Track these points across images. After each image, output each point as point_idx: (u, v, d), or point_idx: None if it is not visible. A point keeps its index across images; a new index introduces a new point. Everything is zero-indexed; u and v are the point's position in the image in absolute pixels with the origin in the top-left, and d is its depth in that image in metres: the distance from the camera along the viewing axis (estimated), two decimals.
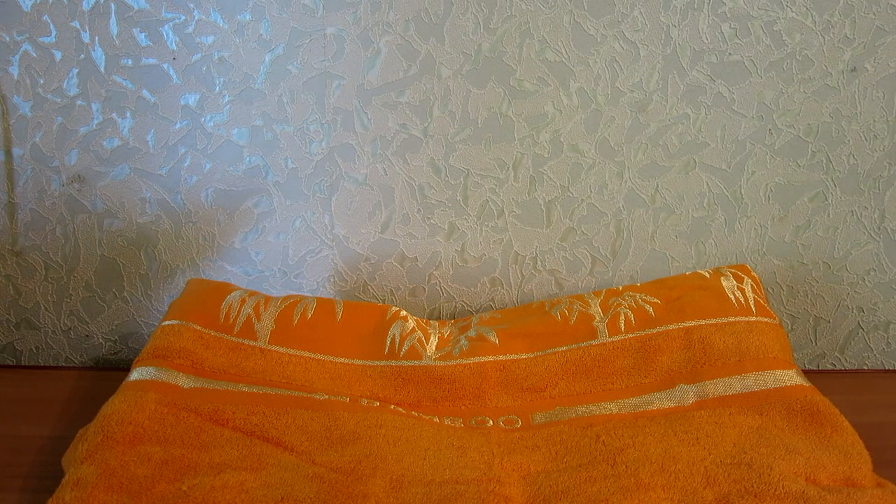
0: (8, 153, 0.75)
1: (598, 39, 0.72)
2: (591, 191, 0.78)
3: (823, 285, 0.81)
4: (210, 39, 0.72)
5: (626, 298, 0.73)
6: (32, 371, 0.80)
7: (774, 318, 0.70)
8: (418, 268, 0.81)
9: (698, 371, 0.67)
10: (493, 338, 0.71)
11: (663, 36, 0.72)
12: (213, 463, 0.57)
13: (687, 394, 0.66)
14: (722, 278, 0.74)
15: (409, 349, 0.70)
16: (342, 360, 0.70)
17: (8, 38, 0.72)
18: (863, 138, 0.76)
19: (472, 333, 0.72)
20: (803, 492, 0.54)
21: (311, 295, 0.77)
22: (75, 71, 0.73)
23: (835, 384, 0.74)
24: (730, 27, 0.72)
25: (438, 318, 0.82)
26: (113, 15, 0.71)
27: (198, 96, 0.74)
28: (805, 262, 0.80)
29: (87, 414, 0.65)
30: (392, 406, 0.66)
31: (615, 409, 0.66)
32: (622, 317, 0.71)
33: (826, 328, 0.83)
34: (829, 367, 0.85)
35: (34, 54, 0.72)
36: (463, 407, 0.68)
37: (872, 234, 0.79)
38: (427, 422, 0.64)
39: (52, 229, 0.78)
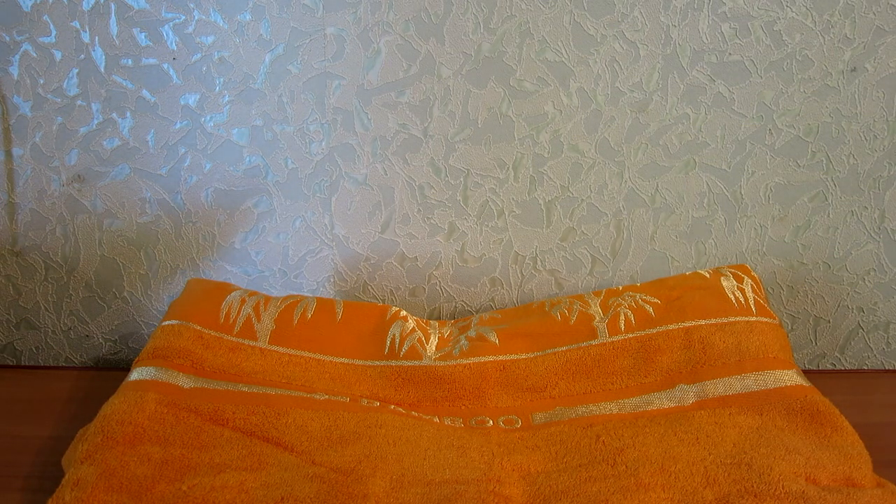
0: (8, 153, 0.75)
1: (598, 39, 0.72)
2: (591, 191, 0.78)
3: (823, 285, 0.81)
4: (210, 39, 0.72)
5: (626, 298, 0.73)
6: (32, 371, 0.80)
7: (774, 318, 0.70)
8: (418, 268, 0.81)
9: (698, 371, 0.67)
10: (493, 338, 0.71)
11: (663, 36, 0.72)
12: (212, 463, 0.57)
13: (687, 394, 0.66)
14: (722, 278, 0.74)
15: (409, 349, 0.70)
16: (342, 360, 0.70)
17: (8, 38, 0.72)
18: (863, 138, 0.76)
19: (472, 333, 0.72)
20: (803, 492, 0.54)
21: (311, 295, 0.77)
22: (75, 71, 0.73)
23: (835, 384, 0.74)
24: (730, 27, 0.72)
25: (438, 318, 0.82)
26: (113, 15, 0.71)
27: (198, 96, 0.74)
28: (805, 262, 0.80)
29: (87, 414, 0.64)
30: (392, 406, 0.66)
31: (615, 409, 0.66)
32: (622, 317, 0.71)
33: (826, 328, 0.83)
34: (829, 367, 0.85)
35: (34, 54, 0.72)
36: (463, 407, 0.68)
37: (872, 234, 0.79)
38: (427, 422, 0.64)
39: (52, 229, 0.78)
